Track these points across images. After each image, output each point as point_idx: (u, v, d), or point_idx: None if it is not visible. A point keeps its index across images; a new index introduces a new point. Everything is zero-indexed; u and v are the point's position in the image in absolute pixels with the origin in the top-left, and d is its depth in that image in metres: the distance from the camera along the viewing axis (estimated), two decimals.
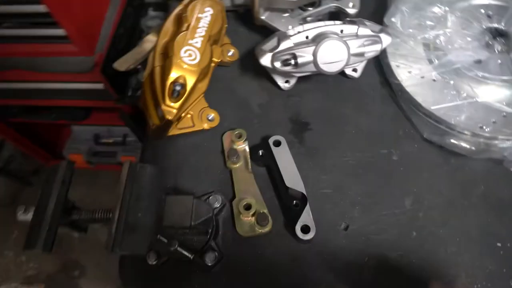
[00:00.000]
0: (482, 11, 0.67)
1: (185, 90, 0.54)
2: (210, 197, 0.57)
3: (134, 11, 0.91)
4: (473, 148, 0.58)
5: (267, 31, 0.70)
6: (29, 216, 0.52)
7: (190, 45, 0.55)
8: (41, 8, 0.72)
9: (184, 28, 0.56)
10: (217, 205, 0.57)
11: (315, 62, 0.57)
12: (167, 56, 0.55)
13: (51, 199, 0.50)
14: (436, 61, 0.64)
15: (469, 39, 0.64)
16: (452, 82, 0.62)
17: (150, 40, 0.84)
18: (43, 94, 0.95)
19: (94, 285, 1.45)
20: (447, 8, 0.67)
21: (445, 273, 0.51)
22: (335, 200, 0.58)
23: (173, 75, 0.53)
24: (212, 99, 0.66)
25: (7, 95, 0.97)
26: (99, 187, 1.44)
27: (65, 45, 0.80)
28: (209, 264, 0.53)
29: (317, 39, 0.58)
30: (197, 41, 0.56)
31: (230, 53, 0.70)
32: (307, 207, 0.55)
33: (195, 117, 0.64)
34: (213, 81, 0.67)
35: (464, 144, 0.58)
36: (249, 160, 0.61)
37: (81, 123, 1.19)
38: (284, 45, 0.60)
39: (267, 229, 0.55)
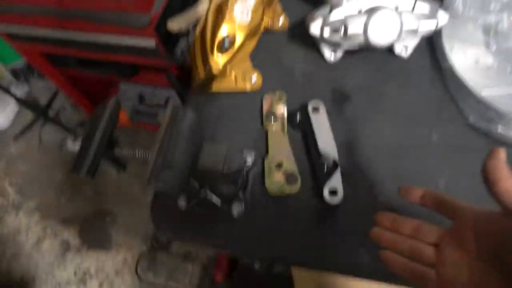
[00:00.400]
0: None
1: (234, 46, 0.56)
2: (244, 151, 0.59)
3: None
4: None
5: (320, 1, 0.70)
6: (76, 146, 0.57)
7: (244, 2, 0.57)
8: None
9: None
10: (249, 159, 0.59)
11: (365, 32, 0.57)
12: (221, 11, 0.57)
13: (98, 132, 0.54)
14: (495, 46, 0.61)
15: None
16: (509, 69, 0.59)
17: (204, 1, 0.87)
18: (98, 47, 1.00)
19: (123, 233, 1.54)
20: None
21: None
22: (366, 172, 0.58)
23: (224, 29, 0.55)
24: (258, 62, 0.67)
25: (66, 45, 1.03)
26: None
27: (125, 1, 0.84)
28: (235, 214, 0.56)
29: (370, 11, 0.57)
30: (251, 2, 0.57)
31: (280, 21, 0.71)
32: (338, 172, 0.55)
33: (239, 77, 0.65)
34: (261, 45, 0.68)
35: None
36: (285, 122, 0.62)
37: (128, 80, 1.25)
38: (336, 13, 0.59)
39: (295, 189, 0.57)
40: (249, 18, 0.56)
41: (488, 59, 0.61)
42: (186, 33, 0.91)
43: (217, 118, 0.65)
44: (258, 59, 0.67)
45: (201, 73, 0.59)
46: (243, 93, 0.66)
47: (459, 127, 0.59)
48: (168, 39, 0.90)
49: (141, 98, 1.30)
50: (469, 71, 0.61)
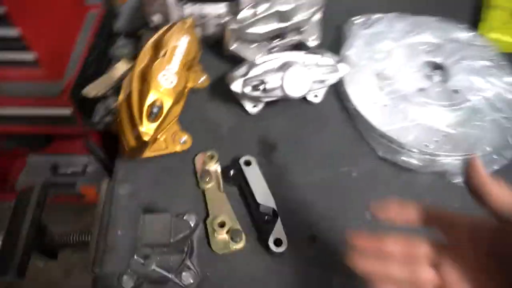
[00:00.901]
0: (423, 47, 0.78)
1: (162, 113, 0.57)
2: (185, 216, 0.59)
3: (104, 39, 0.94)
4: (421, 164, 0.65)
5: (236, 60, 0.75)
6: None
7: (167, 70, 0.59)
8: (12, 32, 0.72)
9: (161, 54, 0.60)
10: (192, 223, 0.59)
11: (282, 87, 0.63)
12: (145, 80, 0.58)
13: (24, 223, 0.50)
14: (386, 88, 0.72)
15: (412, 70, 0.74)
16: (400, 106, 0.70)
17: (120, 67, 0.87)
18: (7, 120, 0.92)
19: None
20: (393, 44, 0.77)
21: None
22: (303, 215, 0.62)
23: (151, 97, 0.56)
24: (184, 122, 0.69)
25: None
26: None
27: (33, 70, 0.79)
28: (186, 284, 0.55)
29: (284, 67, 0.64)
30: (174, 66, 0.60)
31: (201, 79, 0.74)
32: (279, 221, 0.59)
33: (168, 140, 0.66)
34: (186, 104, 0.71)
35: (413, 161, 0.66)
36: (221, 180, 0.64)
37: (38, 152, 1.16)
38: (253, 72, 0.65)
39: (241, 245, 0.58)
40: (174, 83, 0.58)
41: (383, 100, 0.71)
42: (103, 98, 0.89)
43: (152, 183, 0.64)
44: (185, 118, 0.69)
45: (131, 141, 0.59)
46: (174, 155, 0.67)
47: (373, 161, 0.68)
48: (85, 106, 0.87)
49: (54, 169, 1.21)
50: (370, 111, 0.70)
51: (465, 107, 0.69)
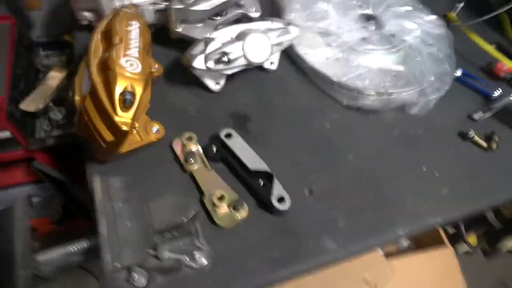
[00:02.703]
0: (353, 2, 0.84)
1: (136, 99, 0.54)
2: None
3: (26, 51, 0.85)
4: (381, 104, 0.72)
5: (183, 43, 0.74)
6: None
7: (129, 55, 0.56)
8: None
9: (116, 42, 0.57)
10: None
11: (245, 55, 0.64)
12: (108, 70, 0.54)
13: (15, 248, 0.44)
14: (333, 44, 0.77)
15: (351, 23, 0.80)
16: (350, 57, 0.75)
17: (54, 76, 0.80)
18: None
19: None
20: (327, 4, 0.82)
21: (395, 200, 0.62)
22: (293, 173, 0.64)
23: (120, 84, 0.53)
24: (151, 114, 0.66)
25: None
26: None
27: None
28: (200, 264, 0.53)
29: (241, 36, 0.65)
30: (134, 51, 0.57)
31: (155, 68, 0.72)
32: (276, 181, 0.60)
33: (141, 131, 0.63)
34: None
35: (373, 102, 0.72)
36: (205, 159, 0.63)
37: None
38: (212, 46, 0.65)
39: (244, 213, 0.58)
40: (140, 68, 0.55)
41: (334, 54, 0.76)
42: (44, 111, 0.81)
43: (137, 180, 0.61)
44: (151, 111, 0.66)
45: (107, 136, 0.54)
46: (151, 147, 0.64)
47: (340, 111, 0.72)
48: (24, 124, 0.79)
49: None
50: (325, 66, 0.75)
51: (403, 47, 0.77)
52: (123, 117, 0.53)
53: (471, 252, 1.49)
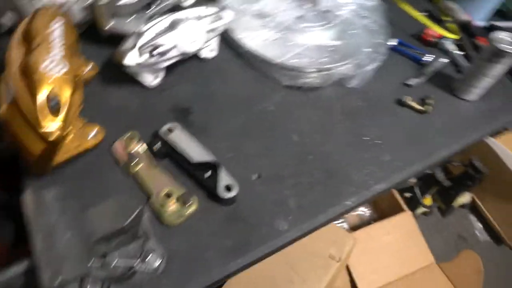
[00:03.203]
0: None
1: (64, 103, 0.52)
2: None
3: None
4: (320, 80, 0.73)
5: (116, 39, 0.71)
6: None
7: (52, 57, 0.53)
8: None
9: (37, 43, 0.53)
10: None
11: (179, 44, 0.62)
12: (30, 74, 0.51)
13: None
14: (269, 24, 0.77)
15: (286, 3, 0.80)
16: (287, 36, 0.75)
17: None
18: None
19: None
20: None
21: (341, 173, 0.64)
22: (240, 159, 0.64)
23: (44, 90, 0.50)
24: (89, 116, 0.64)
25: None
26: None
27: None
28: (154, 267, 0.53)
29: (172, 26, 0.63)
30: (58, 51, 0.54)
31: (89, 68, 0.68)
32: (223, 170, 0.60)
33: (77, 137, 0.60)
34: (84, 99, 0.65)
35: (313, 80, 0.72)
36: (150, 157, 0.62)
37: None
38: (143, 39, 0.63)
39: (194, 207, 0.58)
40: (65, 69, 0.53)
41: (271, 35, 0.76)
42: None
43: (77, 189, 0.59)
44: (88, 113, 0.64)
45: (36, 148, 0.52)
46: (90, 152, 0.62)
47: (281, 92, 0.73)
48: None
49: None
50: (263, 48, 0.74)
51: (338, 22, 0.78)
52: (50, 126, 0.51)
53: (429, 212, 1.57)
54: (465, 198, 1.56)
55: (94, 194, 0.58)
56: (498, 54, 0.66)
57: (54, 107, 0.50)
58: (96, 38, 0.74)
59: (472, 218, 1.69)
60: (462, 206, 1.61)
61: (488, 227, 1.66)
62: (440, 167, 1.51)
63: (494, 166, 1.49)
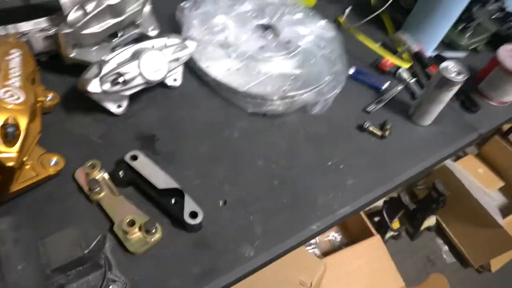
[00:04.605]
0: (249, 14, 0.87)
1: (20, 131, 0.51)
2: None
3: None
4: (284, 107, 0.75)
5: (80, 69, 0.71)
6: None
7: (8, 86, 0.52)
8: None
9: None
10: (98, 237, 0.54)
11: (141, 73, 0.63)
12: None
13: None
14: (233, 54, 0.79)
15: (249, 33, 0.83)
16: (250, 66, 0.78)
17: None
18: None
19: None
20: (225, 16, 0.85)
21: (307, 198, 0.65)
22: (206, 186, 0.64)
23: (0, 117, 0.49)
24: (48, 145, 0.62)
25: None
26: None
27: None
28: None
29: (136, 55, 0.64)
30: (15, 80, 0.53)
31: (49, 98, 0.67)
32: (187, 197, 0.59)
33: (36, 165, 0.59)
34: (43, 129, 0.63)
35: (277, 107, 0.75)
36: (112, 185, 0.61)
37: None
38: (106, 68, 0.63)
39: (158, 235, 0.57)
40: (23, 98, 0.52)
41: (234, 64, 0.78)
42: None
43: (36, 217, 0.56)
44: (48, 142, 0.62)
45: None
46: (51, 181, 0.60)
47: (246, 119, 0.74)
48: None
49: None
50: (227, 77, 0.76)
51: (299, 51, 0.82)
52: (7, 152, 0.49)
53: (398, 236, 1.60)
54: (430, 220, 1.61)
55: (55, 222, 0.56)
56: (446, 81, 0.71)
57: (9, 135, 0.48)
58: (59, 67, 0.74)
59: (439, 241, 1.73)
60: (428, 228, 1.66)
61: (454, 249, 1.70)
62: (405, 190, 1.56)
63: (456, 190, 1.56)
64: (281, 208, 0.64)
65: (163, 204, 0.60)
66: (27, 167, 0.58)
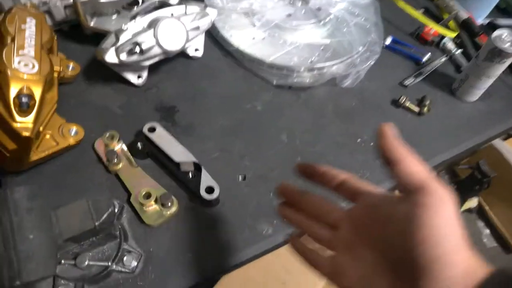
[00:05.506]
0: None
1: (35, 101, 0.50)
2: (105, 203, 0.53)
3: None
4: (312, 79, 0.70)
5: (100, 38, 0.69)
6: None
7: (23, 55, 0.51)
8: None
9: (8, 41, 0.52)
10: (116, 208, 0.54)
11: (158, 43, 0.60)
12: (0, 72, 0.50)
13: None
14: (258, 23, 0.74)
15: (275, 1, 0.77)
16: (276, 35, 0.73)
17: None
18: None
19: None
20: None
21: None
22: (225, 160, 0.61)
23: (14, 87, 0.48)
24: (68, 115, 0.62)
25: None
26: None
27: None
28: (131, 268, 0.50)
29: (153, 24, 0.61)
30: (29, 50, 0.52)
31: (70, 68, 0.67)
32: (204, 171, 0.57)
33: (56, 135, 0.58)
34: (63, 99, 0.63)
35: (304, 79, 0.70)
36: (130, 157, 0.60)
37: None
38: (123, 37, 0.61)
39: (174, 208, 0.55)
40: (37, 68, 0.51)
41: (259, 34, 0.74)
42: None
43: (55, 186, 0.57)
44: (68, 111, 0.62)
45: (9, 144, 0.50)
46: (71, 150, 0.60)
47: (270, 91, 0.70)
48: None
49: None
50: (252, 47, 0.72)
51: (330, 19, 0.75)
52: (22, 122, 0.49)
53: None
54: (472, 202, 1.52)
55: (73, 192, 0.56)
56: (499, 53, 0.63)
57: (23, 105, 0.48)
58: (81, 37, 0.73)
59: (480, 223, 1.63)
60: (469, 210, 1.56)
61: (496, 233, 1.60)
62: (445, 170, 1.46)
63: (503, 171, 1.44)
64: (303, 186, 0.60)
65: (180, 178, 0.58)
66: (47, 136, 0.57)
